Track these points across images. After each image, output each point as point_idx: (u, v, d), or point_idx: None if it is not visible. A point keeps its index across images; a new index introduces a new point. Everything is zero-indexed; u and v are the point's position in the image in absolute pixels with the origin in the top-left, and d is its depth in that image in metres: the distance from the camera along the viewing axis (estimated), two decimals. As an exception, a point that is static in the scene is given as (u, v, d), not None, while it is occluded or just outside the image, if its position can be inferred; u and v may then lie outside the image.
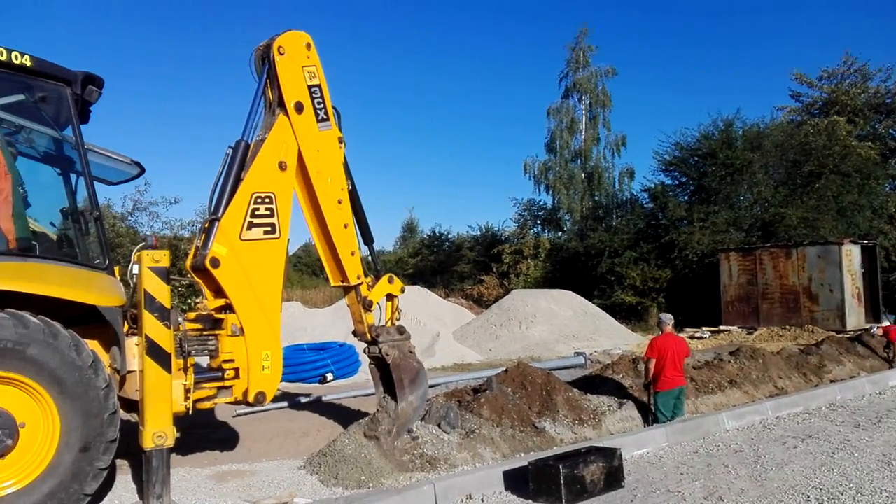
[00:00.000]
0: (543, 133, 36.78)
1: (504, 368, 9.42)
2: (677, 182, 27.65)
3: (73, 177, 5.78)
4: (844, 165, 24.13)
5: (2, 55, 4.90)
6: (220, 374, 5.47)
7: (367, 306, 6.94)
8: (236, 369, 5.52)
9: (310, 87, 6.39)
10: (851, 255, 18.78)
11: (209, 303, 5.74)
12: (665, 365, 8.29)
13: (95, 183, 5.59)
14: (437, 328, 17.21)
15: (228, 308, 5.62)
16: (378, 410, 6.90)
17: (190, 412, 5.18)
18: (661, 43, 62.92)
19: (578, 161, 36.23)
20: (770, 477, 5.95)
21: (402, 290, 7.37)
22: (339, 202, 6.66)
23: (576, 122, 36.19)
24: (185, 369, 5.14)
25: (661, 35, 63.31)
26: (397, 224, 61.44)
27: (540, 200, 36.45)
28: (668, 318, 8.92)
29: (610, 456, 5.80)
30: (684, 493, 5.51)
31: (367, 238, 7.25)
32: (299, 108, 6.26)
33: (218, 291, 5.67)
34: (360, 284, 6.90)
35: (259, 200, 5.86)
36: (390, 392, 6.88)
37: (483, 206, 61.19)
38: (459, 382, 10.77)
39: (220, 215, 5.67)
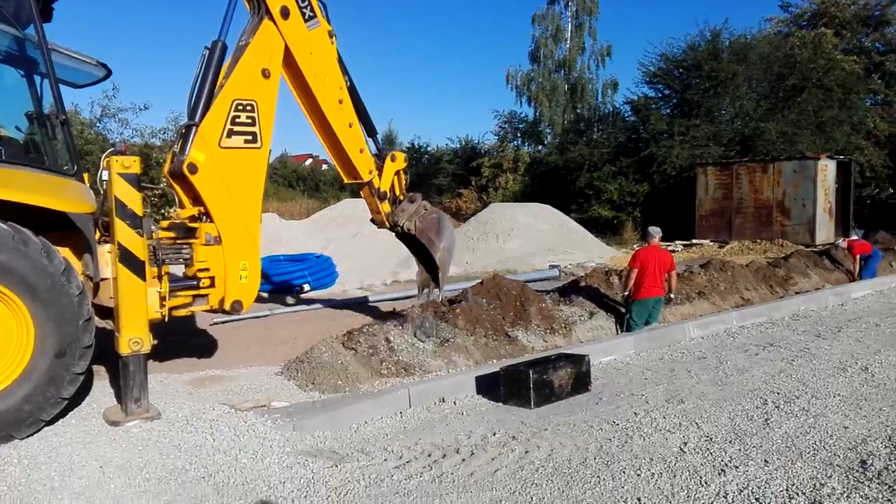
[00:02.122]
0: (528, 41, 35.85)
1: (480, 280, 9.56)
2: (660, 95, 27.33)
3: (37, 79, 5.53)
4: (827, 79, 23.94)
5: None
6: (195, 282, 5.47)
7: (382, 197, 7.27)
8: (212, 278, 5.52)
9: None
10: (827, 170, 18.97)
11: (183, 212, 5.68)
12: (645, 275, 8.53)
13: (61, 86, 5.37)
14: (415, 240, 17.28)
15: (203, 217, 5.57)
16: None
17: (166, 319, 5.22)
18: (651, -53, 60.49)
19: (562, 71, 35.53)
20: (730, 381, 6.24)
21: (406, 160, 7.67)
22: (341, 102, 6.62)
23: (561, 29, 35.22)
24: (160, 277, 5.13)
25: (651, -61, 60.76)
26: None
27: (521, 113, 35.96)
28: (655, 231, 9.08)
29: (578, 362, 6.03)
30: (647, 396, 5.78)
31: (371, 130, 7.29)
32: (285, 13, 5.97)
33: (195, 199, 5.58)
34: (372, 179, 7.09)
35: (240, 108, 5.65)
36: (424, 255, 7.72)
37: (464, 119, 60.56)
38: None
39: (197, 121, 5.49)
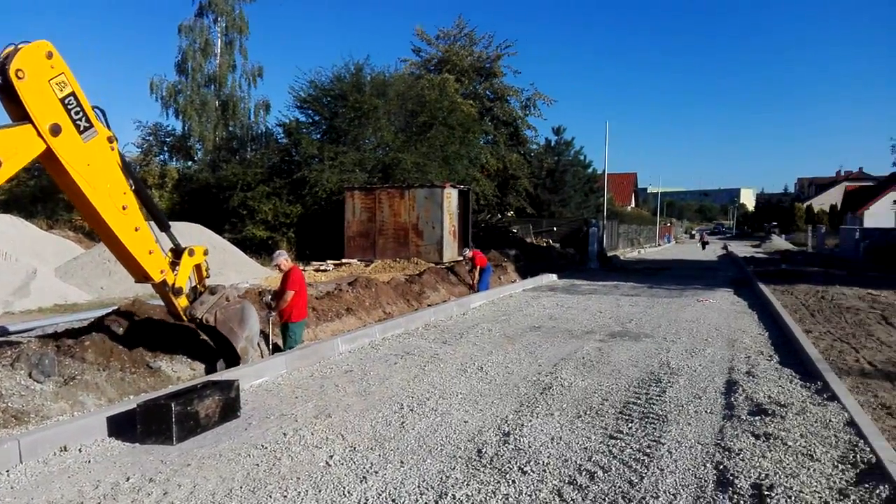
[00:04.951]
0: (175, 52, 33.75)
1: (117, 307, 8.60)
2: (311, 120, 28.25)
3: None
4: (451, 119, 27.61)
5: None
6: None
7: (178, 293, 7.02)
8: None
9: (62, 99, 5.36)
10: (451, 197, 21.81)
11: None
12: (301, 296, 8.59)
13: None
14: (35, 264, 14.79)
15: None
16: None
17: None
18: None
19: (212, 87, 34.27)
20: (373, 391, 6.71)
21: (206, 253, 7.51)
22: (125, 207, 6.12)
23: (210, 44, 34.03)
24: None
25: (300, -32, 62.62)
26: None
27: (168, 125, 33.66)
28: (284, 252, 9.23)
29: (227, 388, 5.82)
30: (297, 415, 5.87)
31: (163, 224, 7.09)
32: (56, 130, 5.28)
33: None
34: (165, 278, 6.79)
35: None
36: (224, 344, 7.58)
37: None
38: (60, 325, 9.49)
39: None
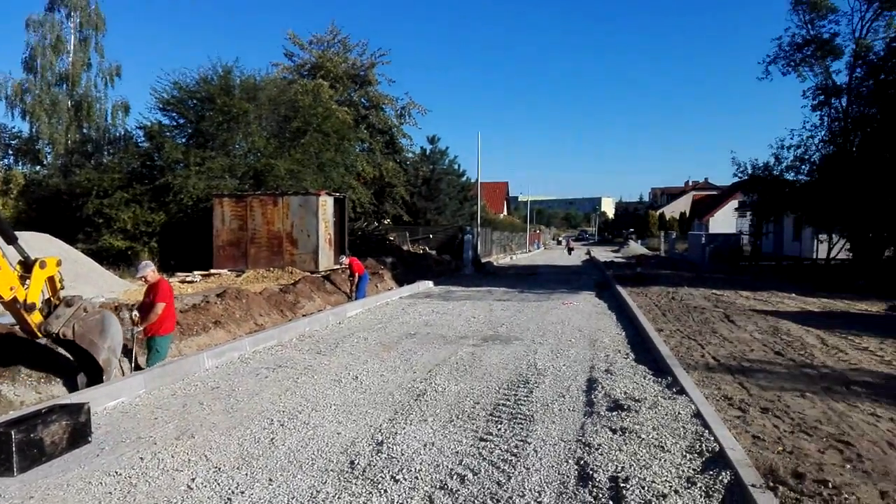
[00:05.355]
0: (22, 48, 30.95)
1: (-57, 327, 7.72)
2: (175, 123, 26.75)
3: None
4: (325, 126, 27.20)
5: None
6: None
7: (30, 309, 6.52)
8: None
9: None
10: (326, 205, 21.47)
11: None
12: (171, 309, 8.14)
13: None
14: None
15: None
16: None
17: None
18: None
19: (64, 86, 31.70)
20: (241, 407, 6.46)
21: (59, 263, 7.05)
22: None
23: (62, 40, 31.47)
24: None
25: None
26: None
27: (14, 127, 30.72)
28: (151, 263, 8.67)
29: (76, 412, 5.39)
30: (156, 437, 5.53)
31: (9, 237, 6.59)
32: None
33: None
34: (15, 294, 6.27)
35: None
36: (84, 358, 7.13)
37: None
38: None
39: None
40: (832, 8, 24.37)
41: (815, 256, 28.37)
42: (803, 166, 25.41)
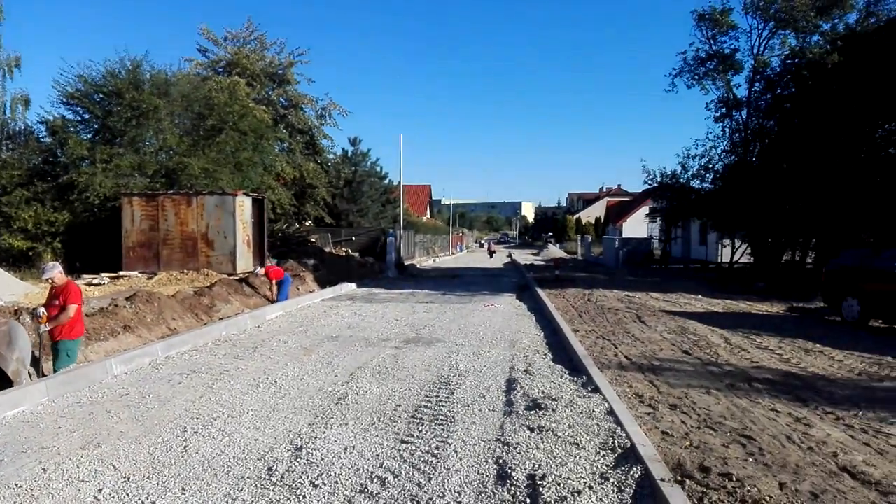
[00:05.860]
0: None
1: None
2: (80, 118, 25.33)
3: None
4: (242, 124, 26.45)
5: None
6: None
7: None
8: None
9: None
10: (244, 205, 20.91)
11: None
12: (81, 311, 7.72)
13: None
14: None
15: None
16: None
17: None
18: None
19: (-46, 76, 29.44)
20: (152, 415, 6.20)
21: None
22: None
23: (-50, 25, 29.14)
24: None
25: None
26: None
27: None
28: (58, 265, 8.19)
29: (-32, 424, 5.03)
30: (60, 447, 5.24)
31: None
32: None
33: None
34: None
35: None
36: None
37: None
38: None
39: None
40: (732, 25, 25.79)
41: (719, 260, 29.96)
42: (708, 175, 26.77)
